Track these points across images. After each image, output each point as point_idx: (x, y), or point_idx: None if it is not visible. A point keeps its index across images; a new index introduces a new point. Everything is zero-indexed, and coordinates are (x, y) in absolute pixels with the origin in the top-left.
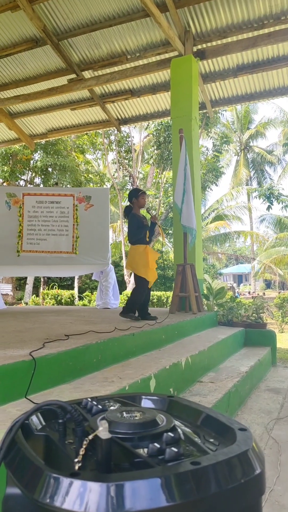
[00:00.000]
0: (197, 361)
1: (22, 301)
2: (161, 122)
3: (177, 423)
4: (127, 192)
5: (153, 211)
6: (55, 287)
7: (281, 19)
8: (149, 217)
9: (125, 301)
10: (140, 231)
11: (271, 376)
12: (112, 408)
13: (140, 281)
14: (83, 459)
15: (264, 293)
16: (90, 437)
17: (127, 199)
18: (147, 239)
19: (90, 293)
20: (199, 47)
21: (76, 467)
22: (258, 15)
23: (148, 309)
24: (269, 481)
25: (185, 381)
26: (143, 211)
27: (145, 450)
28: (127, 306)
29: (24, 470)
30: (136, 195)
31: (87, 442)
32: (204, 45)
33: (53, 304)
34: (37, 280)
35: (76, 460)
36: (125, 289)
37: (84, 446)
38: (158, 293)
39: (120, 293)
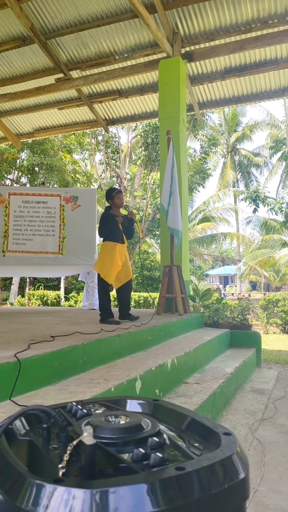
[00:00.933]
0: (183, 362)
1: (7, 301)
2: (149, 123)
3: (162, 427)
4: None
5: (138, 212)
6: (41, 288)
7: (269, 23)
8: (126, 213)
9: (115, 304)
10: (106, 223)
11: (256, 377)
12: (97, 412)
13: (100, 280)
14: (67, 465)
15: (249, 295)
16: (74, 442)
17: None
18: (120, 237)
19: (76, 294)
20: (187, 49)
21: (60, 473)
22: (246, 19)
23: (130, 310)
24: (253, 482)
25: (171, 382)
26: (122, 210)
27: (130, 455)
28: (100, 312)
29: (7, 477)
30: (111, 195)
31: (71, 448)
32: (192, 47)
33: (39, 305)
34: (22, 280)
35: (60, 466)
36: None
37: (68, 452)
38: (145, 294)
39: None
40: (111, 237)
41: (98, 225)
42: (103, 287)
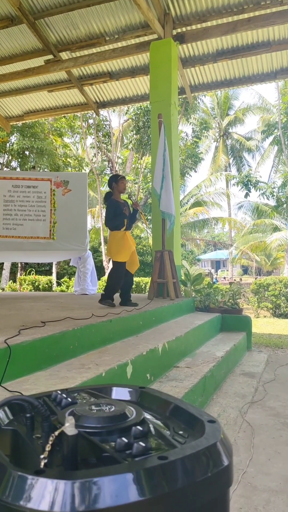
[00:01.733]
0: (174, 346)
1: None
2: (141, 106)
3: (147, 415)
4: (106, 177)
5: (134, 197)
6: (33, 273)
7: (261, 4)
8: (130, 203)
9: (104, 287)
10: (117, 218)
11: (246, 360)
12: (82, 400)
13: (116, 265)
14: (50, 455)
15: (241, 279)
16: (56, 433)
17: (106, 185)
18: (126, 226)
19: (68, 279)
20: (179, 30)
21: (42, 464)
22: (238, 0)
23: (130, 296)
24: (242, 464)
25: (162, 366)
26: (124, 197)
27: (113, 444)
28: (104, 292)
29: None
30: (116, 180)
31: (53, 438)
32: (183, 29)
33: (30, 290)
34: (14, 265)
35: (42, 456)
36: (104, 275)
37: (50, 443)
38: (137, 279)
39: (99, 279)
40: (118, 227)
41: (106, 216)
42: (119, 274)
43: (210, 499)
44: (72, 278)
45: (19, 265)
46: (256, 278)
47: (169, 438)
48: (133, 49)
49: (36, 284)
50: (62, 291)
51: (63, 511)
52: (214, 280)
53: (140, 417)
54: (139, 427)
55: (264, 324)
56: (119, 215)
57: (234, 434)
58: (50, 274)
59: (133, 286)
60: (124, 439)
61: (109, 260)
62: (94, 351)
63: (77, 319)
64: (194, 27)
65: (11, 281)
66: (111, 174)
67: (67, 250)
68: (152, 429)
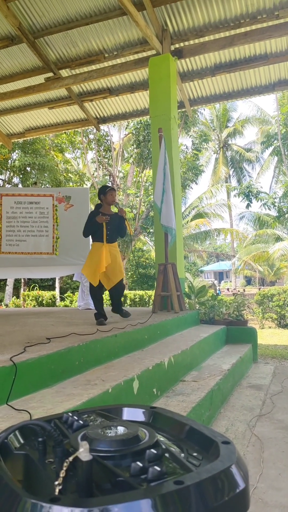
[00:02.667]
0: (180, 360)
1: (2, 303)
2: (141, 120)
3: (160, 437)
4: None
5: (133, 210)
6: (36, 288)
7: (257, 18)
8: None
9: (108, 303)
10: (88, 225)
11: (253, 372)
12: (93, 422)
13: (90, 283)
14: (64, 481)
15: (244, 290)
16: (71, 459)
17: None
18: (108, 237)
19: (71, 294)
20: (177, 46)
21: (57, 491)
22: (235, 14)
23: (120, 305)
24: (252, 479)
25: (168, 381)
26: (112, 207)
27: (128, 468)
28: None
29: (1, 495)
30: (104, 192)
31: (67, 464)
32: (181, 44)
33: (34, 306)
34: (17, 281)
35: (56, 483)
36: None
37: (64, 469)
38: (140, 292)
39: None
40: (95, 237)
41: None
42: (92, 288)
43: None
44: (75, 293)
45: (22, 281)
46: (259, 289)
47: (184, 461)
48: (132, 65)
49: (40, 299)
50: (65, 306)
51: None
52: (217, 291)
53: (153, 439)
54: (153, 450)
55: (269, 335)
56: (90, 224)
57: (243, 449)
58: (54, 289)
59: (137, 299)
60: (139, 463)
61: None
62: (100, 366)
63: (82, 335)
64: (191, 42)
65: (14, 297)
66: (102, 185)
67: (70, 265)
68: (166, 451)
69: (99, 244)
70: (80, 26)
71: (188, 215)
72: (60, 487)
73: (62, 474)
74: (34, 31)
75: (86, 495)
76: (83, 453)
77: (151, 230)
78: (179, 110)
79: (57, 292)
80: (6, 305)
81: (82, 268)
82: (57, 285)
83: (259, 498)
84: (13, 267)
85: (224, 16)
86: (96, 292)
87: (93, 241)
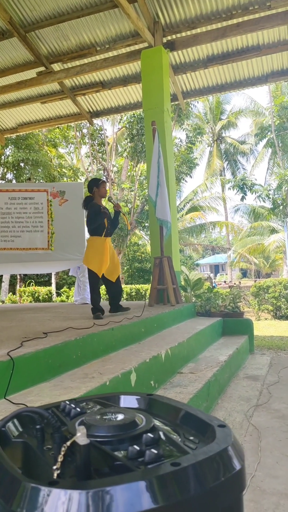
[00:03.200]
0: (177, 352)
1: None
2: (134, 114)
3: (156, 422)
4: None
5: (128, 204)
6: (32, 284)
7: (249, 9)
8: (111, 207)
9: (105, 297)
10: (96, 218)
11: (249, 363)
12: (90, 410)
13: (91, 276)
14: (62, 466)
15: (240, 282)
16: (68, 443)
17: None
18: (108, 232)
19: (67, 289)
20: (169, 38)
21: (55, 475)
22: (227, 6)
23: (120, 301)
24: (250, 468)
25: (166, 373)
26: (104, 201)
27: (125, 452)
28: (92, 306)
29: (1, 481)
30: (97, 184)
31: (65, 449)
32: (173, 36)
33: (30, 302)
34: (13, 277)
35: (54, 467)
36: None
37: (62, 453)
38: (137, 286)
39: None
40: (98, 232)
41: (87, 219)
42: (94, 282)
43: (224, 505)
44: (71, 288)
45: (18, 277)
46: (255, 281)
47: (181, 444)
48: (124, 58)
49: (36, 295)
50: (62, 301)
51: None
52: (213, 284)
53: (150, 424)
54: (150, 434)
55: (265, 327)
56: (98, 214)
57: (241, 438)
58: (50, 284)
59: (133, 293)
60: (136, 446)
61: None
62: (97, 360)
63: (79, 329)
64: (183, 34)
65: (10, 293)
66: (93, 178)
67: (65, 260)
68: (162, 436)
69: (100, 239)
70: (71, 20)
71: (183, 208)
72: (59, 471)
73: (60, 458)
74: (25, 25)
75: (84, 479)
76: (81, 437)
77: (146, 224)
78: (172, 103)
79: (53, 287)
80: (3, 301)
81: (86, 261)
82: (53, 280)
83: (257, 486)
84: (9, 263)
85: (216, 8)
86: (97, 285)
87: (92, 235)
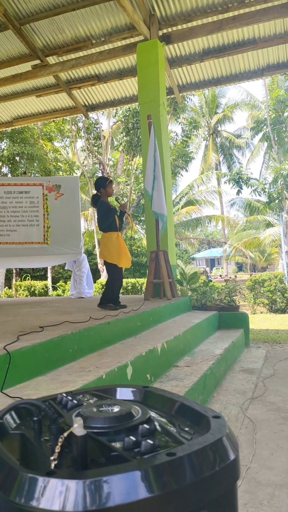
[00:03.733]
0: (173, 346)
1: None
2: (129, 108)
3: (152, 414)
4: None
5: (123, 199)
6: (28, 278)
7: (245, 2)
8: (118, 206)
9: (101, 291)
10: (109, 215)
11: (245, 357)
12: (87, 402)
13: (113, 269)
14: (60, 456)
15: (236, 276)
16: (65, 434)
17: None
18: (118, 228)
19: (64, 283)
20: (165, 31)
21: (52, 465)
22: None
23: (119, 298)
24: (245, 459)
25: (162, 366)
26: (111, 199)
27: (121, 443)
28: (104, 296)
29: (0, 472)
30: (104, 184)
31: (62, 440)
32: (169, 29)
33: (26, 296)
34: (9, 271)
35: (52, 458)
36: (99, 277)
37: (59, 444)
38: (132, 280)
39: (94, 282)
40: (112, 228)
41: (99, 216)
42: (119, 275)
43: (218, 493)
44: (67, 282)
45: (14, 271)
46: (251, 275)
47: (176, 435)
48: (120, 51)
49: (32, 289)
50: (58, 295)
51: (75, 510)
52: (209, 278)
53: (146, 415)
54: (146, 426)
55: (261, 320)
56: (110, 212)
57: (236, 431)
58: (46, 279)
59: (129, 287)
60: (132, 437)
61: (104, 262)
62: (94, 353)
63: (75, 323)
64: (179, 27)
65: (6, 287)
66: (100, 176)
67: (61, 254)
68: (158, 427)
69: (115, 234)
70: (66, 12)
71: (179, 202)
72: (56, 462)
73: (57, 449)
74: (20, 17)
75: (81, 469)
76: (77, 428)
77: (142, 218)
78: (168, 97)
79: (49, 281)
80: None
81: (111, 259)
82: (49, 274)
83: (252, 478)
84: (5, 257)
85: (212, 1)
86: (120, 278)
87: (106, 231)
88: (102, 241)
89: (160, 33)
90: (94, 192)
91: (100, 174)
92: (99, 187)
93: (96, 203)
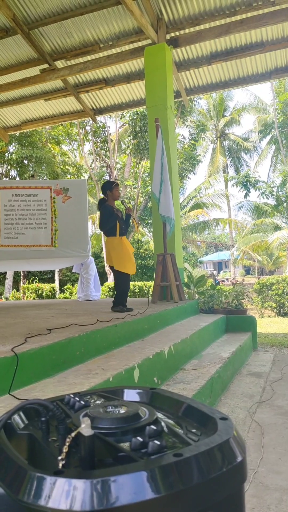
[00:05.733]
0: (180, 349)
1: (2, 296)
2: (137, 111)
3: (159, 415)
4: None
5: (130, 202)
6: (36, 281)
7: (253, 5)
8: (123, 209)
9: (108, 294)
10: (110, 220)
11: (253, 360)
12: (94, 403)
13: (122, 275)
14: (67, 456)
15: (243, 279)
16: (73, 434)
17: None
18: (122, 231)
19: (71, 286)
20: (172, 35)
21: (60, 465)
22: (230, 2)
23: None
24: (253, 463)
25: (169, 369)
26: (117, 203)
27: (129, 444)
28: (117, 300)
29: (7, 471)
30: (111, 187)
31: (70, 440)
32: (177, 33)
33: (34, 298)
34: (17, 274)
35: (59, 458)
36: (106, 280)
37: (67, 444)
38: (139, 283)
39: (101, 285)
40: (112, 232)
41: (100, 220)
42: (128, 281)
43: (225, 495)
44: (75, 285)
45: (22, 274)
46: (258, 278)
47: (183, 436)
48: (127, 55)
49: (40, 292)
50: (65, 298)
51: (83, 509)
52: (216, 281)
53: (153, 417)
54: (153, 427)
55: (268, 324)
56: (112, 216)
57: (244, 434)
58: (53, 281)
59: (136, 290)
60: (139, 438)
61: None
62: (101, 356)
63: (82, 325)
64: (187, 30)
65: (14, 290)
66: (107, 180)
67: (69, 257)
68: (165, 428)
69: (118, 239)
70: (74, 17)
71: (186, 205)
72: (64, 461)
73: (65, 449)
74: (28, 22)
75: (89, 469)
76: (85, 428)
77: (149, 221)
78: (176, 100)
79: (56, 284)
80: (6, 298)
81: (117, 264)
82: (56, 277)
83: (260, 482)
84: (13, 260)
85: (220, 4)
86: (129, 281)
87: (108, 236)
88: (106, 245)
89: (168, 36)
90: (102, 196)
91: (107, 177)
92: (106, 190)
93: (101, 207)
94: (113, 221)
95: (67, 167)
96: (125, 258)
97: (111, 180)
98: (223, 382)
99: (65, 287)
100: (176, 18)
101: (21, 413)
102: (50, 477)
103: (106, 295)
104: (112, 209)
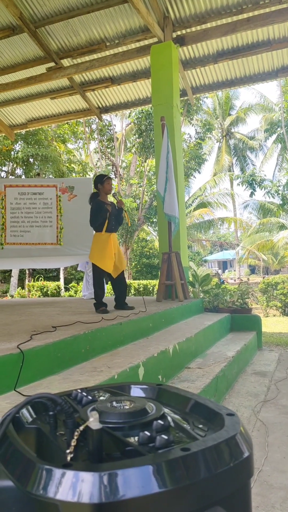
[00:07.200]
0: (185, 347)
1: (8, 294)
2: (142, 110)
3: (166, 410)
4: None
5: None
6: (41, 279)
7: (260, 3)
8: (115, 202)
9: (113, 293)
10: (98, 216)
11: (257, 359)
12: (101, 398)
13: (95, 270)
14: (75, 450)
15: (248, 279)
16: (81, 428)
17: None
18: (111, 228)
19: (76, 284)
20: (179, 33)
21: (68, 458)
22: (237, 0)
23: (125, 299)
24: (258, 462)
25: (173, 367)
26: (110, 197)
27: (136, 438)
28: (95, 302)
29: (16, 463)
30: (101, 181)
31: (78, 433)
32: (183, 31)
33: (39, 296)
34: (22, 272)
35: (68, 451)
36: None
37: (75, 437)
38: (144, 281)
39: (106, 283)
40: (100, 228)
41: (90, 215)
42: (99, 277)
43: (232, 490)
44: (80, 283)
45: (27, 271)
46: (263, 277)
47: (190, 431)
48: (133, 53)
49: (45, 290)
50: (70, 296)
51: (91, 502)
52: (221, 280)
53: (160, 412)
54: (160, 421)
55: (273, 323)
56: (100, 212)
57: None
58: (58, 279)
59: (141, 289)
60: (146, 432)
61: None
62: (106, 354)
63: (88, 323)
64: (193, 29)
65: (19, 287)
66: (99, 173)
67: (74, 255)
68: (172, 423)
69: (105, 234)
70: (81, 15)
71: (191, 204)
72: (72, 455)
73: (73, 442)
74: (35, 20)
75: (97, 462)
76: (93, 422)
77: (154, 220)
78: (182, 98)
79: (61, 282)
80: (12, 296)
81: (91, 257)
82: (61, 275)
83: (264, 481)
84: (18, 257)
85: (227, 2)
86: (102, 281)
87: (96, 231)
88: (92, 240)
89: (174, 35)
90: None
91: (113, 176)
92: (97, 184)
93: (92, 201)
94: (102, 218)
95: (72, 165)
96: (106, 253)
97: (103, 173)
98: (228, 381)
99: (70, 285)
100: (182, 16)
101: (29, 408)
102: (59, 469)
103: (110, 294)
104: (101, 204)
